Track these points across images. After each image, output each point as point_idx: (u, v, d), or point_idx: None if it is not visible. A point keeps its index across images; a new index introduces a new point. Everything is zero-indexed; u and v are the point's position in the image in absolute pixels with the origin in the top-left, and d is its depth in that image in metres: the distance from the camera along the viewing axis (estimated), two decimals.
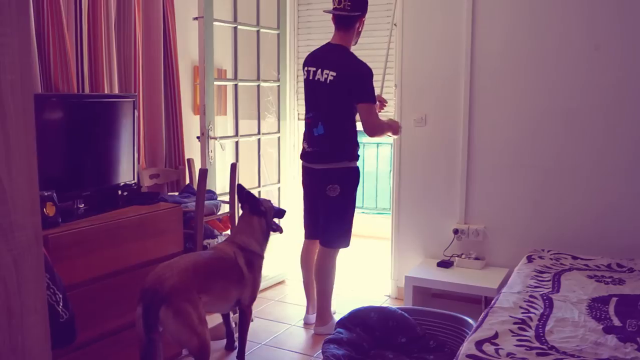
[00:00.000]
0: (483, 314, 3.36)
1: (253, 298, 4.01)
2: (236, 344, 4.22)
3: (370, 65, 4.50)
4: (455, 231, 5.13)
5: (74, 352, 3.39)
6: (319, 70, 4.51)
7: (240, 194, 4.20)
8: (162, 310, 3.28)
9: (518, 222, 4.97)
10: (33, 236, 1.34)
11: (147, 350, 3.32)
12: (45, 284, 1.45)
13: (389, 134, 4.75)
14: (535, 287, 3.77)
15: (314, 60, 4.61)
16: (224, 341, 4.46)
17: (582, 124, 4.67)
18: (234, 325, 4.39)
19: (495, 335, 2.99)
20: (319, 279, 4.75)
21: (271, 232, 4.26)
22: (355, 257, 6.38)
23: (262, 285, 5.39)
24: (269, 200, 4.31)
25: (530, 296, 3.57)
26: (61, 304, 2.47)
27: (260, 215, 4.06)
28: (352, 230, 4.78)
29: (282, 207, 5.88)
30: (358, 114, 4.51)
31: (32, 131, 1.29)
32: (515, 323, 3.16)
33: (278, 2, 5.76)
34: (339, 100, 4.48)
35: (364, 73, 4.43)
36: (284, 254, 5.91)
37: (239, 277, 3.84)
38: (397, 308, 4.14)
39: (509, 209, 4.99)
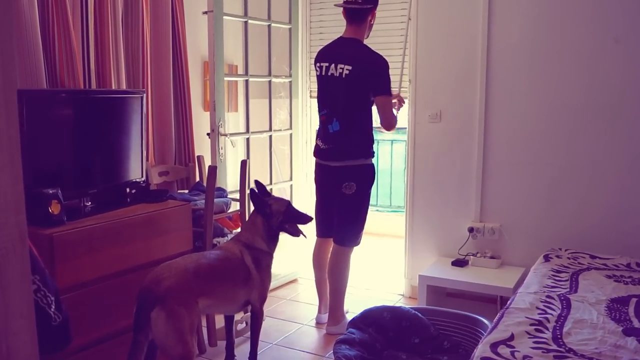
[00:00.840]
0: (499, 314, 3.29)
1: (263, 298, 3.90)
2: (236, 358, 4.14)
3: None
4: (471, 229, 5.06)
5: (77, 353, 3.35)
6: (333, 65, 4.44)
7: (250, 191, 4.10)
8: (155, 312, 3.17)
9: (535, 220, 4.89)
10: (18, 236, 1.26)
11: (131, 353, 3.21)
12: (31, 287, 1.37)
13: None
14: (553, 287, 3.69)
15: (327, 55, 4.54)
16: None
17: (602, 119, 4.58)
18: (241, 327, 4.31)
19: (511, 337, 2.91)
20: (332, 278, 4.68)
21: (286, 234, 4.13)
22: (368, 255, 6.33)
23: (274, 284, 5.40)
24: (286, 203, 4.06)
25: (547, 296, 3.49)
26: (53, 307, 2.40)
27: (265, 216, 3.95)
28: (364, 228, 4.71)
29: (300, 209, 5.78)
30: (375, 107, 4.45)
31: (15, 124, 1.21)
32: (531, 324, 3.07)
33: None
34: (355, 94, 4.42)
35: (381, 65, 4.36)
36: (296, 252, 5.84)
37: (246, 277, 3.74)
38: (411, 308, 4.07)
39: (526, 206, 4.91)
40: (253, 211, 4.01)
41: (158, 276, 3.29)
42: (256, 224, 3.92)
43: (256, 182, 4.08)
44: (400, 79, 5.08)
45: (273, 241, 3.98)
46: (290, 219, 4.01)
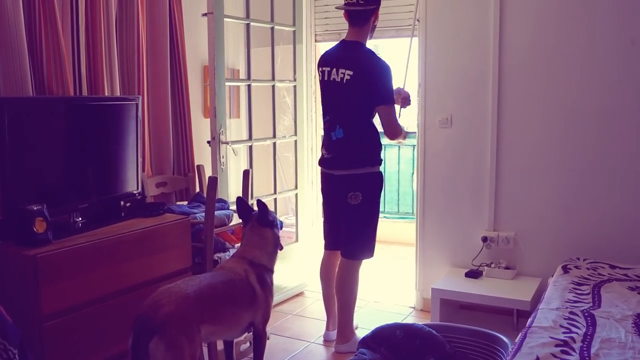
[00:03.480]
0: (521, 335, 3.13)
1: (267, 319, 3.71)
2: None
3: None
4: (484, 239, 4.94)
5: None
6: (334, 70, 4.34)
7: (241, 208, 3.91)
8: (153, 342, 2.93)
9: (550, 228, 4.79)
10: None
11: None
12: None
13: (401, 139, 4.58)
14: (575, 302, 3.56)
15: (328, 59, 4.46)
16: None
17: (618, 123, 4.49)
18: (245, 348, 4.12)
19: None
20: (340, 293, 4.53)
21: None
22: (376, 264, 6.21)
23: (280, 297, 5.38)
24: (272, 211, 4.06)
25: (571, 313, 3.36)
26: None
27: (272, 226, 3.77)
28: (375, 240, 4.57)
29: (299, 215, 5.64)
30: (378, 115, 4.33)
31: None
32: (557, 345, 2.92)
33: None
34: (357, 100, 4.30)
35: (383, 70, 4.26)
36: (302, 263, 5.76)
37: (252, 298, 3.54)
38: (424, 324, 3.88)
39: (541, 214, 4.81)
40: (254, 224, 3.79)
41: (156, 302, 3.05)
42: (264, 237, 3.76)
43: (239, 199, 3.93)
44: (404, 79, 4.93)
45: (276, 255, 3.85)
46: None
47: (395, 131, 4.36)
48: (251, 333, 3.73)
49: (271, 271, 3.77)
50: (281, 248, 4.00)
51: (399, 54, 5.83)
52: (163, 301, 3.04)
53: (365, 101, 4.28)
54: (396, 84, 4.46)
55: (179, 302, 3.07)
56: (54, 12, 3.81)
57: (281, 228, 4.12)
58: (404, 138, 4.58)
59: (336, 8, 4.51)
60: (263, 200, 3.90)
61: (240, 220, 4.30)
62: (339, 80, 4.29)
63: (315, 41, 6.04)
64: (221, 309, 3.35)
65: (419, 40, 5.06)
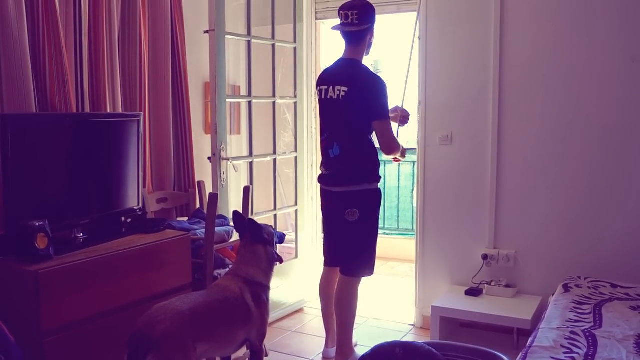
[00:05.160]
0: (521, 354, 3.12)
1: (263, 335, 3.69)
2: None
3: None
4: (484, 256, 4.92)
5: None
6: (331, 88, 4.33)
7: (238, 222, 3.90)
8: (149, 359, 2.94)
9: (551, 246, 4.76)
10: None
11: None
12: None
13: (399, 156, 4.54)
14: (576, 321, 3.54)
15: (326, 78, 4.45)
16: None
17: (619, 141, 4.48)
18: None
19: None
20: (339, 311, 4.49)
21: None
22: (376, 281, 6.15)
23: (279, 314, 5.34)
24: (270, 226, 4.02)
25: (572, 332, 3.34)
26: None
27: (266, 244, 3.76)
28: (375, 257, 4.54)
29: (298, 231, 5.62)
30: (374, 131, 4.32)
31: None
32: None
33: (294, 14, 5.60)
34: (353, 117, 4.29)
35: (378, 86, 4.25)
36: (302, 280, 5.73)
37: (246, 316, 3.53)
38: (424, 343, 3.85)
39: (542, 232, 4.79)
40: (248, 241, 3.80)
41: (152, 319, 3.04)
42: (257, 255, 3.74)
43: (235, 213, 3.93)
44: (403, 97, 4.90)
45: (271, 272, 3.83)
46: (279, 240, 4.00)
47: (391, 147, 4.33)
48: (249, 350, 3.72)
49: (267, 288, 3.75)
50: (281, 261, 4.01)
51: (400, 32, 5.71)
52: (159, 318, 3.04)
53: (361, 117, 4.26)
54: (394, 101, 4.46)
55: (174, 320, 3.07)
56: (57, 30, 3.82)
57: (282, 242, 4.13)
58: (403, 155, 4.56)
59: (332, 29, 4.50)
60: (263, 216, 3.91)
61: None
62: (336, 97, 4.28)
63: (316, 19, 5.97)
64: (216, 327, 3.34)
65: (420, 57, 5.06)
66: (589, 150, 4.56)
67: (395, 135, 4.42)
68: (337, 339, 4.52)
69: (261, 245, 3.76)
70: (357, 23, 4.25)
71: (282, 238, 4.13)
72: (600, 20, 4.45)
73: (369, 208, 4.38)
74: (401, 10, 5.48)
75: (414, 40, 5.00)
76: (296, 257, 5.74)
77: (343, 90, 4.24)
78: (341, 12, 4.29)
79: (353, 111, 4.24)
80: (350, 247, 4.44)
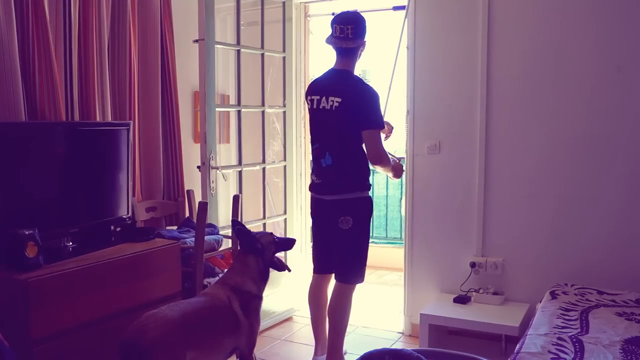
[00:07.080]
0: None
1: (252, 344, 3.68)
2: None
3: None
4: (472, 264, 4.93)
5: None
6: (324, 98, 4.32)
7: (235, 230, 3.91)
8: None
9: (539, 254, 4.77)
10: None
11: None
12: None
13: (390, 173, 4.56)
14: (563, 327, 3.56)
15: (318, 88, 4.44)
16: None
17: (605, 150, 4.50)
18: None
19: None
20: (333, 318, 4.48)
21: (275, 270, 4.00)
22: (364, 289, 6.13)
23: (268, 323, 5.31)
24: (270, 234, 4.01)
25: (559, 338, 3.35)
26: None
27: (257, 254, 3.76)
28: (366, 265, 4.55)
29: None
30: (364, 140, 4.31)
31: None
32: None
33: (284, 24, 5.61)
34: (345, 127, 4.29)
35: (370, 97, 4.25)
36: (291, 288, 5.72)
37: (234, 325, 3.53)
38: (413, 350, 3.86)
39: (529, 240, 4.80)
40: (240, 251, 3.81)
41: (142, 327, 3.05)
42: (247, 264, 3.74)
43: (233, 221, 3.93)
44: (385, 107, 4.93)
45: (264, 282, 3.82)
46: (281, 247, 3.97)
47: (379, 156, 4.31)
48: (239, 359, 3.72)
49: (257, 297, 3.74)
50: (289, 270, 4.03)
51: (389, 41, 5.68)
52: (149, 326, 3.04)
53: (353, 127, 4.26)
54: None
55: (164, 327, 3.08)
56: (47, 38, 3.83)
57: (290, 247, 4.13)
58: (396, 173, 4.59)
59: (326, 42, 4.49)
60: (252, 225, 3.90)
61: (230, 245, 4.32)
62: (329, 107, 4.28)
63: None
64: (204, 335, 3.33)
65: (408, 66, 5.07)
66: (575, 159, 4.58)
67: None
68: (328, 345, 4.51)
69: (252, 255, 3.76)
70: (352, 38, 4.26)
71: (289, 243, 4.10)
72: (586, 31, 4.47)
73: (362, 215, 4.39)
74: None
75: (398, 51, 5.02)
76: (286, 270, 5.72)
77: (336, 101, 4.24)
78: (335, 25, 4.28)
79: (346, 122, 4.24)
80: (345, 255, 4.43)
